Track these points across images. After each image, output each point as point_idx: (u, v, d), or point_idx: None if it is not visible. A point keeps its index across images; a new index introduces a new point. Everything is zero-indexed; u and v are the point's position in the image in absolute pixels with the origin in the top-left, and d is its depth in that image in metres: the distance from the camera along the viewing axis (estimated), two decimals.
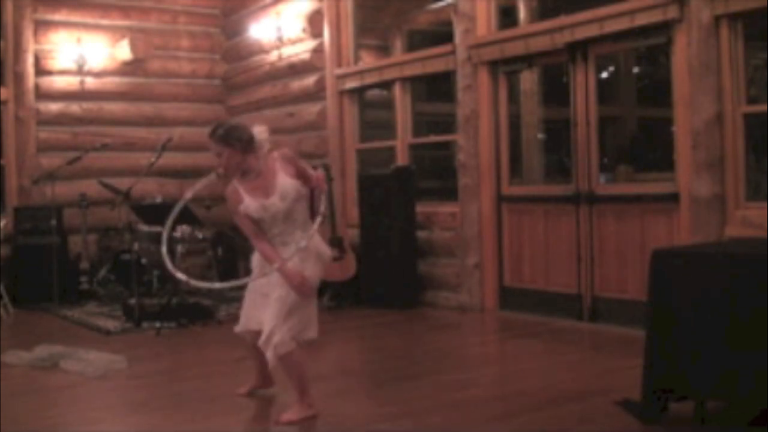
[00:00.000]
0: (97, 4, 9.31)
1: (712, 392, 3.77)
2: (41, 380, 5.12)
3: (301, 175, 4.14)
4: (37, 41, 8.87)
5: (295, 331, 4.09)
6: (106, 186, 7.54)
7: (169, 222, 4.19)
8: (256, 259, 4.25)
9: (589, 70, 6.47)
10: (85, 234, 8.29)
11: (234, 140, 4.05)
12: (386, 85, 8.44)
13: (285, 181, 4.07)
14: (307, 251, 4.09)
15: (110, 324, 6.88)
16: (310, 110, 8.87)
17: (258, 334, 4.15)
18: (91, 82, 9.21)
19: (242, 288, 4.45)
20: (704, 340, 3.69)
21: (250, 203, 4.05)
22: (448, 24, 7.53)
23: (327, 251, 4.31)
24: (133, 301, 6.92)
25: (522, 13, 7.41)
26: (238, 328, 4.40)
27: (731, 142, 5.51)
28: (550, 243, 6.86)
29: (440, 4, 8.21)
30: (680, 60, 5.78)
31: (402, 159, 8.13)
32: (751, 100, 5.60)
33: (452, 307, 7.40)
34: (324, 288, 7.74)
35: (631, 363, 4.42)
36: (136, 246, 7.27)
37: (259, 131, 4.19)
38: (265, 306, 4.12)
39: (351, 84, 8.53)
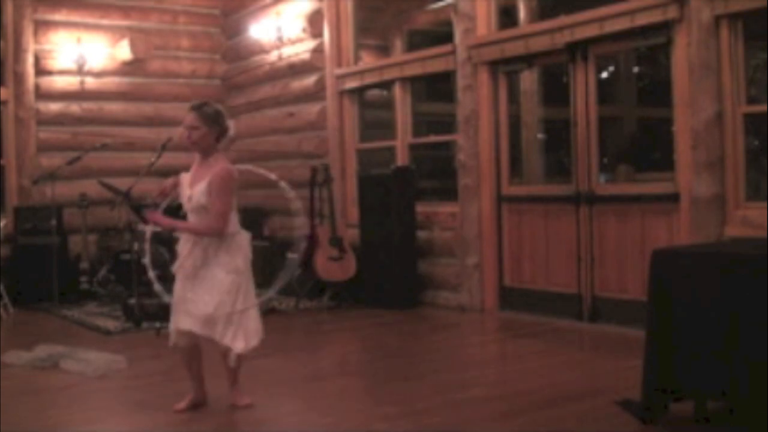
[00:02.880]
0: (97, 4, 9.31)
1: (712, 392, 3.77)
2: (41, 380, 5.12)
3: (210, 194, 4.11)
4: (37, 41, 8.87)
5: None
6: (106, 186, 7.54)
7: None
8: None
9: (589, 70, 6.47)
10: (85, 234, 8.29)
11: (216, 124, 4.18)
12: (386, 85, 8.44)
13: (203, 186, 4.11)
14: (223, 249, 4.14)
15: (110, 324, 6.88)
16: (310, 110, 8.87)
17: (190, 336, 4.21)
18: (91, 82, 9.21)
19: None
20: (704, 340, 3.70)
21: (183, 181, 4.23)
22: (448, 24, 7.53)
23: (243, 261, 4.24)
24: (133, 301, 6.92)
25: (522, 13, 7.41)
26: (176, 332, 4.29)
27: (731, 142, 5.52)
28: (550, 243, 6.86)
29: (440, 4, 8.20)
30: (680, 60, 5.78)
31: (402, 159, 8.13)
32: (751, 100, 5.60)
33: (452, 307, 7.40)
34: (324, 288, 7.75)
35: (631, 363, 4.42)
36: (136, 246, 7.27)
37: (233, 127, 4.31)
38: (196, 303, 4.12)
39: (351, 84, 8.53)
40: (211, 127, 4.14)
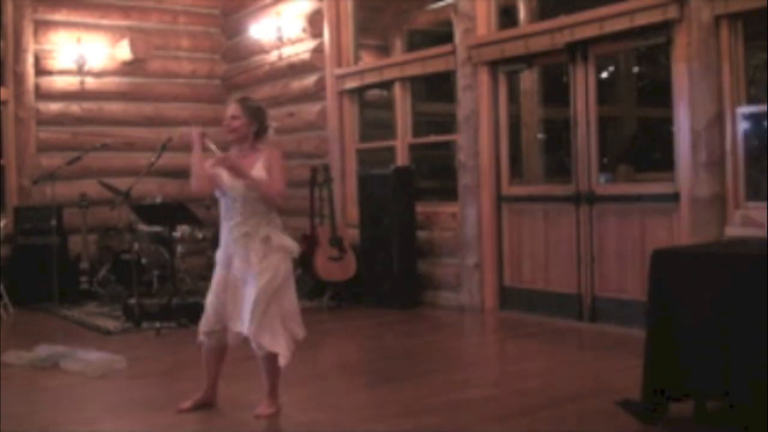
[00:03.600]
0: (97, 4, 9.31)
1: (712, 392, 3.77)
2: (41, 380, 5.11)
3: (268, 171, 4.18)
4: (37, 41, 8.87)
5: (287, 327, 4.15)
6: (106, 186, 7.54)
7: None
8: (219, 255, 4.25)
9: (589, 70, 6.47)
10: (85, 234, 8.29)
11: (257, 118, 4.26)
12: (386, 85, 8.44)
13: (258, 167, 4.17)
14: (271, 245, 4.14)
15: (110, 324, 6.88)
16: (310, 110, 8.87)
17: (235, 335, 4.20)
18: (91, 82, 9.21)
19: None
20: (704, 340, 3.70)
21: (223, 173, 4.16)
22: (448, 24, 7.53)
23: (292, 246, 4.28)
24: (133, 301, 6.92)
25: (522, 13, 7.41)
26: (207, 328, 4.28)
27: (731, 142, 5.51)
28: (550, 243, 6.85)
29: (440, 4, 8.20)
30: (680, 60, 5.78)
31: (402, 159, 8.13)
32: (751, 100, 5.60)
33: (452, 307, 7.40)
34: (324, 288, 7.75)
35: (631, 363, 4.42)
36: (136, 246, 7.27)
37: (273, 128, 4.41)
38: (242, 303, 4.13)
39: (351, 84, 8.53)
40: (251, 119, 4.22)
